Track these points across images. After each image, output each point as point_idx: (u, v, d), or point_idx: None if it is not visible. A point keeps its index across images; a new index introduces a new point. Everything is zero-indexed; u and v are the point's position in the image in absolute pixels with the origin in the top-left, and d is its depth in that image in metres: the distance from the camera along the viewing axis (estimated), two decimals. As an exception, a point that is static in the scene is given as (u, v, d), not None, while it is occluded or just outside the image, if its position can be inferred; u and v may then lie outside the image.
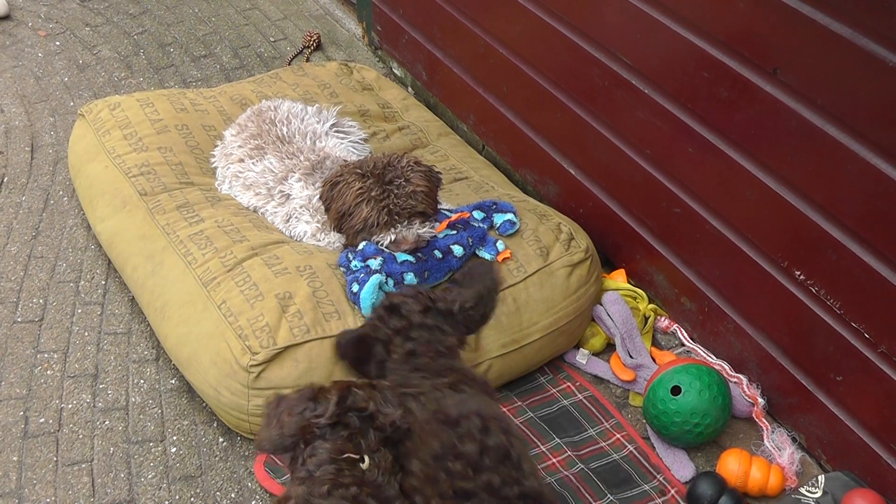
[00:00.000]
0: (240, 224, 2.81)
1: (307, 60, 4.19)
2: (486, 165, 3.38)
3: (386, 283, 2.56)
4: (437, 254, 2.64)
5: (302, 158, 2.91)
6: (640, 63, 2.73)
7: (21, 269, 3.16)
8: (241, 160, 2.98)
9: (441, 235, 2.67)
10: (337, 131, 3.16)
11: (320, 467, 1.87)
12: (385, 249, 2.63)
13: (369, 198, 2.61)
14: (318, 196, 2.78)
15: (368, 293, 2.53)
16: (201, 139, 3.22)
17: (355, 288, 2.56)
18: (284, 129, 3.01)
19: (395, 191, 2.61)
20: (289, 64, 4.15)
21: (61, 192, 3.49)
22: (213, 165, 3.13)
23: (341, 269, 2.67)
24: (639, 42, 2.70)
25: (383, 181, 2.62)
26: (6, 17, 4.45)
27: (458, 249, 2.67)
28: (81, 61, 4.22)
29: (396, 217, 2.61)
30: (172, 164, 3.10)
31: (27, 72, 4.16)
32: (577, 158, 3.14)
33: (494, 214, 2.80)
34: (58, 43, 4.35)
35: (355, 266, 2.61)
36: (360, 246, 2.65)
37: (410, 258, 2.61)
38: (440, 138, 3.48)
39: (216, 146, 3.17)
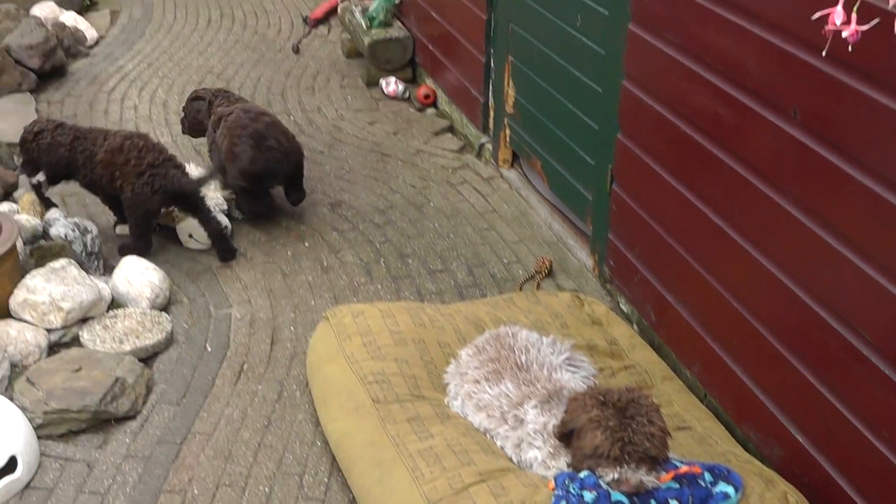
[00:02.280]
0: (468, 445, 3.00)
1: (538, 287, 4.45)
2: (709, 416, 3.46)
3: None
4: (653, 503, 2.72)
5: (539, 386, 3.10)
6: (882, 341, 2.78)
7: (251, 456, 3.45)
8: (477, 381, 3.20)
9: (663, 486, 2.75)
10: (570, 364, 3.34)
11: None
12: (603, 485, 2.72)
13: (606, 426, 2.73)
14: (553, 422, 2.94)
15: None
16: (436, 355, 3.48)
17: None
18: (523, 357, 3.22)
19: (634, 426, 2.73)
20: (520, 288, 4.43)
21: (294, 387, 3.81)
22: (445, 382, 3.36)
23: (554, 483, 2.78)
24: (883, 319, 2.77)
25: (624, 414, 2.75)
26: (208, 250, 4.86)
27: None
28: (326, 263, 4.66)
29: (627, 456, 2.71)
30: (407, 376, 3.36)
31: (276, 268, 4.62)
32: (805, 425, 3.18)
33: (721, 482, 2.85)
34: (306, 244, 4.83)
35: (573, 490, 2.73)
36: (583, 474, 2.76)
37: (625, 500, 2.70)
38: (664, 382, 3.60)
39: (450, 364, 3.41)
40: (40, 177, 4.82)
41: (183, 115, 5.39)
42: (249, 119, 4.85)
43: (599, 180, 4.42)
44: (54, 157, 4.71)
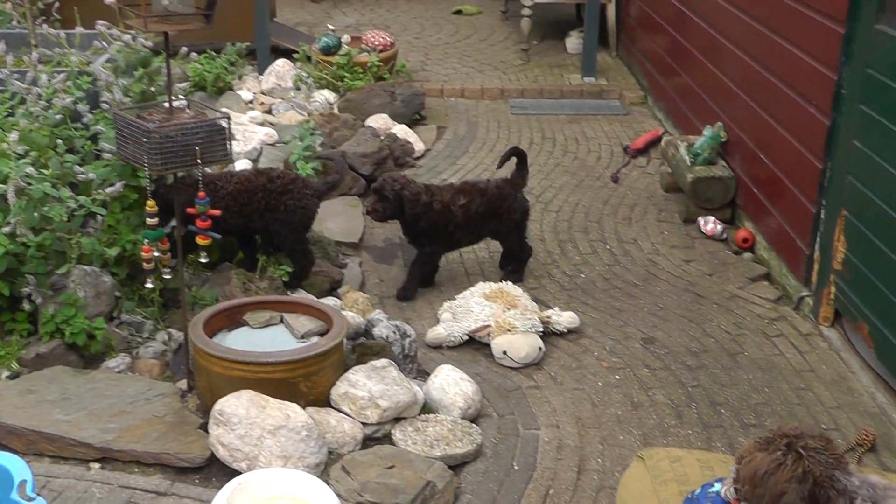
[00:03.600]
0: None
1: (860, 461, 4.34)
2: None
3: None
4: None
5: None
6: None
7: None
8: None
9: None
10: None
11: None
12: None
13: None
14: None
15: None
16: (752, 515, 3.48)
17: None
18: None
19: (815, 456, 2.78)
20: (840, 457, 4.33)
21: (600, 519, 3.93)
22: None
23: None
24: None
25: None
26: (536, 364, 5.09)
27: None
28: (636, 399, 4.76)
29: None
30: (721, 534, 3.38)
31: (586, 396, 4.78)
32: None
33: None
34: (617, 377, 4.96)
35: None
36: None
37: None
38: None
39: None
40: None
41: (383, 200, 5.61)
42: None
43: (939, 356, 4.30)
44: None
